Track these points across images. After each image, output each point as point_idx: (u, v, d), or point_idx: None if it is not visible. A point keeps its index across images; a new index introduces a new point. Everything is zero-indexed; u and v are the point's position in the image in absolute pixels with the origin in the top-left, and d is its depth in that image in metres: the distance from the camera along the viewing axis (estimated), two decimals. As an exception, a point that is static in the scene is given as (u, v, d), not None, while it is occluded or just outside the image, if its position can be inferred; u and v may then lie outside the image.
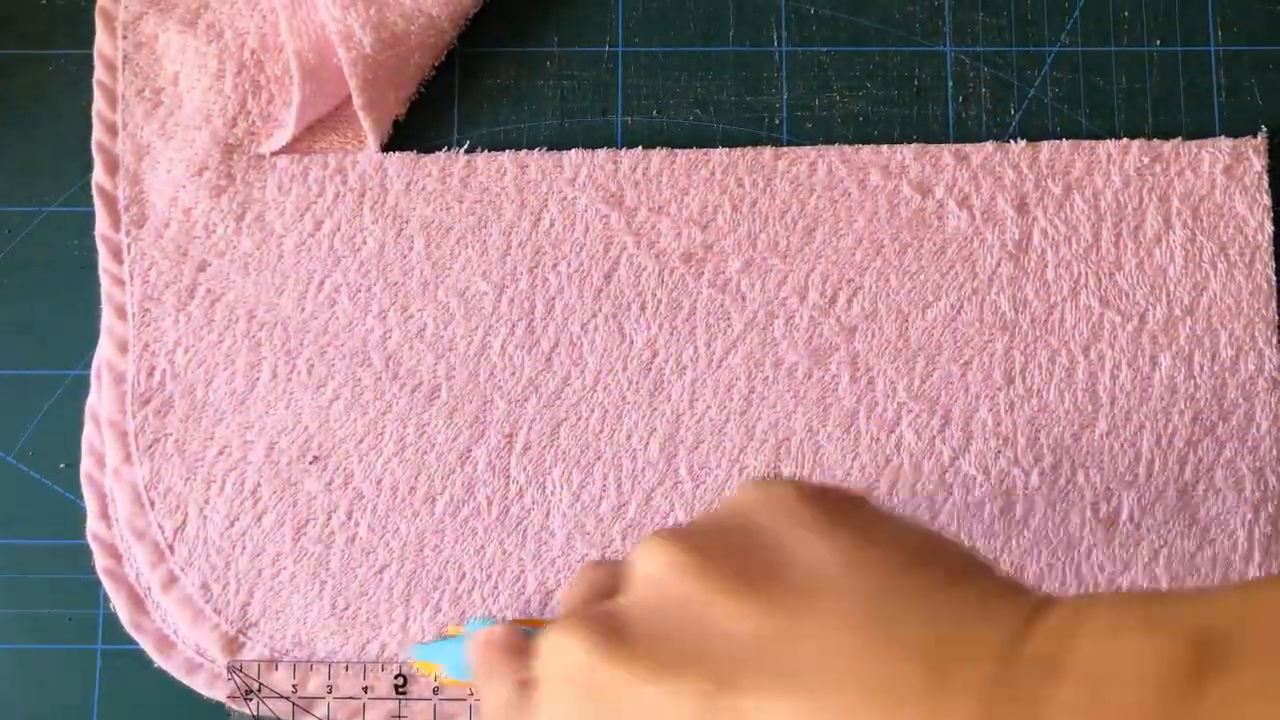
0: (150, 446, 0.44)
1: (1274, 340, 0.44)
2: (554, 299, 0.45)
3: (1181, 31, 0.46)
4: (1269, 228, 0.44)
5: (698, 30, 0.47)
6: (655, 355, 0.45)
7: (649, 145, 0.46)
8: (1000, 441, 0.44)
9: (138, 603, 0.44)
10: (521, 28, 0.47)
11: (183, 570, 0.44)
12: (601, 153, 0.46)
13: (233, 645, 0.43)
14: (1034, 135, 0.46)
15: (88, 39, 0.47)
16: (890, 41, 0.47)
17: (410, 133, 0.46)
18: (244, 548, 0.44)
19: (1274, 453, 0.44)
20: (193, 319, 0.45)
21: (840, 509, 0.30)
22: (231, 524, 0.44)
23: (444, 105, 0.47)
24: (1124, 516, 0.43)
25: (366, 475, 0.44)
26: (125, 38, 0.46)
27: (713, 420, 0.44)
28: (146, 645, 0.44)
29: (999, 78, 0.46)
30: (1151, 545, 0.43)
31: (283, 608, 0.44)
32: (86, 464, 0.45)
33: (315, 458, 0.44)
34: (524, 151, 0.46)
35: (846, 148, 0.45)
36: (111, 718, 0.44)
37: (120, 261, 0.45)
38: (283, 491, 0.44)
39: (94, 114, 0.46)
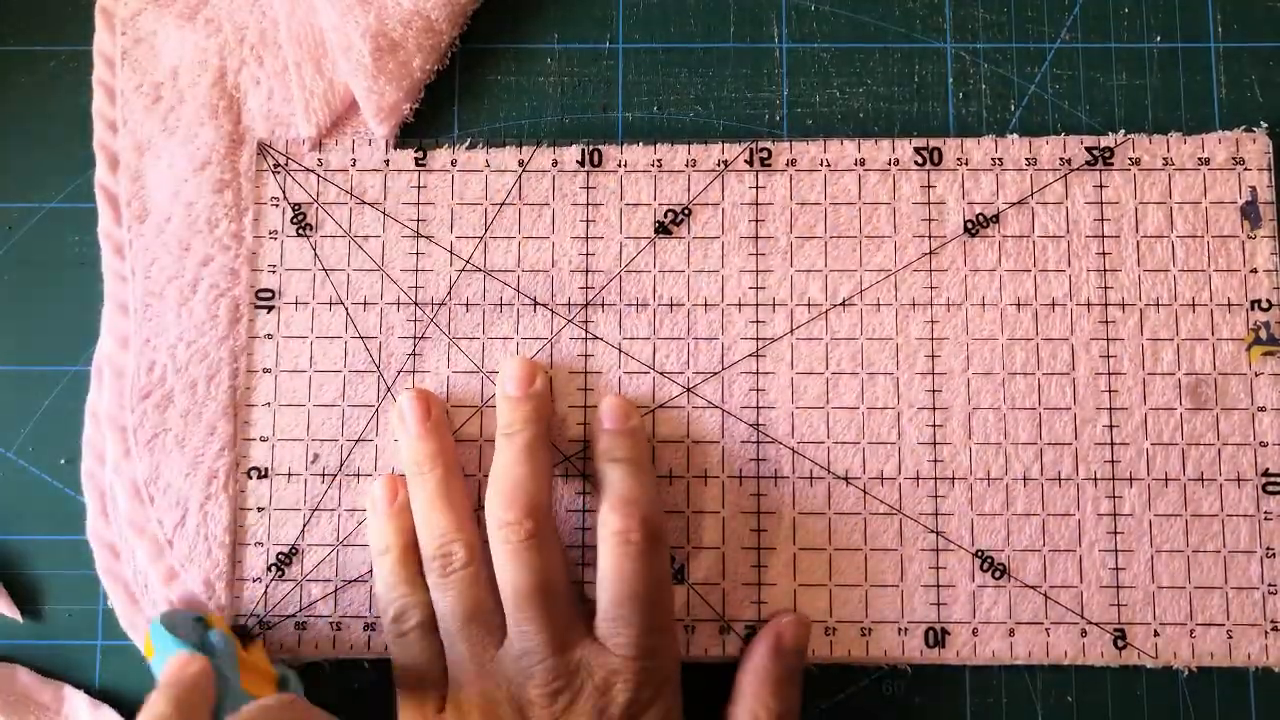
0: (150, 441, 0.44)
1: (1276, 336, 0.44)
2: (555, 294, 0.45)
3: (1182, 27, 0.46)
4: (1271, 223, 0.44)
5: (698, 26, 0.47)
6: (655, 352, 0.45)
7: (649, 141, 0.46)
8: (1001, 437, 0.44)
9: (134, 602, 0.44)
10: (522, 24, 0.47)
11: (183, 566, 0.43)
12: (602, 148, 0.46)
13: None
14: (1034, 131, 0.46)
15: (87, 35, 0.47)
16: (890, 38, 0.47)
17: (411, 129, 0.46)
18: (246, 544, 0.44)
19: (1276, 449, 0.44)
20: (195, 314, 0.45)
21: None
22: (234, 520, 0.44)
23: (445, 101, 0.47)
24: (1125, 512, 0.43)
25: (371, 472, 0.44)
26: (124, 34, 0.46)
27: (713, 418, 0.44)
28: (141, 644, 0.44)
29: (999, 74, 0.46)
30: (1153, 540, 0.43)
31: (286, 605, 0.44)
32: (87, 462, 0.45)
33: (316, 456, 0.44)
34: (525, 147, 0.46)
35: (847, 143, 0.45)
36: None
37: (122, 257, 0.45)
38: (286, 488, 0.44)
39: (94, 112, 0.46)
